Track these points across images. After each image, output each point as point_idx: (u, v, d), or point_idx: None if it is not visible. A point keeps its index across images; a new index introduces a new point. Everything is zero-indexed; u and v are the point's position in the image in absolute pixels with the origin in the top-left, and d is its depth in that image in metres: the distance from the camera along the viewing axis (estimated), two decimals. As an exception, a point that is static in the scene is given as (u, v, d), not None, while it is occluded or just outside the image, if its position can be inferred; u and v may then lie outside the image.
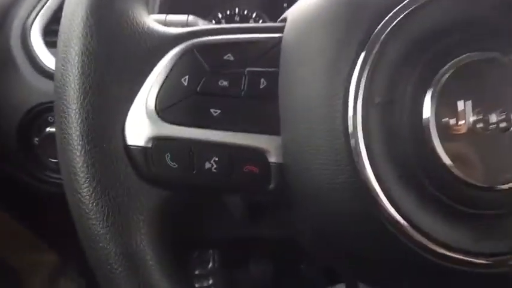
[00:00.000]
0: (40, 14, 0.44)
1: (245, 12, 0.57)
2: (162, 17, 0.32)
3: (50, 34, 0.44)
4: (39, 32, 0.44)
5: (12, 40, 0.44)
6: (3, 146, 0.43)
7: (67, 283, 0.61)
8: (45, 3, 0.45)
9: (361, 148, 0.20)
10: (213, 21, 0.57)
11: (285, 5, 0.57)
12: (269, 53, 0.22)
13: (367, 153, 0.20)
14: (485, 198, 0.20)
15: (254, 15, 0.57)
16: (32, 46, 0.43)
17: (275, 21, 0.58)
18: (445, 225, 0.20)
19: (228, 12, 0.57)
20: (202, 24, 0.34)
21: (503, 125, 0.20)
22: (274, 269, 0.85)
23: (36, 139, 0.43)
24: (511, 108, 0.20)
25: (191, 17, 0.33)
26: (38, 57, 0.43)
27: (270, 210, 0.47)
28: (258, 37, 0.23)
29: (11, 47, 0.44)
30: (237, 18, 0.57)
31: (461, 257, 0.20)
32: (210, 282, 0.87)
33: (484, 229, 0.21)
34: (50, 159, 0.42)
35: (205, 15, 0.57)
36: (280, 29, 0.23)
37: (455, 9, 0.21)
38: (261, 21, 0.57)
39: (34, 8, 0.45)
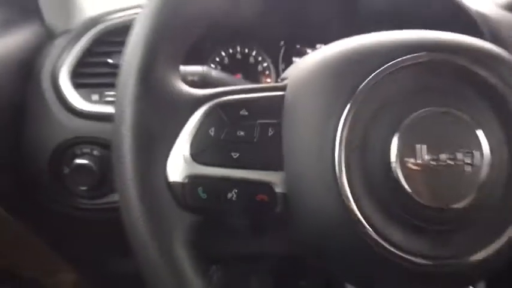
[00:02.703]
0: (67, 59, 0.51)
1: (246, 50, 0.63)
2: (181, 68, 0.39)
3: (77, 76, 0.50)
4: (67, 75, 0.50)
5: (43, 84, 0.50)
6: (35, 178, 0.49)
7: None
8: (71, 50, 0.51)
9: (344, 183, 0.26)
10: (217, 59, 0.63)
11: (282, 43, 0.64)
12: (275, 108, 0.29)
13: (349, 187, 0.26)
14: (438, 217, 0.27)
15: (254, 53, 0.63)
16: (62, 88, 0.49)
17: (272, 56, 0.64)
18: (410, 238, 0.27)
19: (231, 51, 0.63)
20: (214, 73, 0.41)
21: (451, 162, 0.27)
22: (274, 284, 0.90)
23: (67, 169, 0.48)
24: (456, 150, 0.27)
25: (205, 68, 0.40)
26: (67, 98, 0.49)
27: (272, 228, 0.52)
28: (266, 95, 0.30)
29: (43, 90, 0.49)
30: (238, 56, 0.63)
31: (421, 260, 0.27)
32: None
33: (438, 240, 0.27)
34: (80, 187, 0.48)
35: (210, 53, 0.63)
36: (283, 88, 0.30)
37: (419, 77, 0.28)
38: (260, 58, 0.63)
39: (61, 54, 0.51)
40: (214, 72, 0.41)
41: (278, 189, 0.28)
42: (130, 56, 0.28)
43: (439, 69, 0.28)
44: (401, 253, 0.27)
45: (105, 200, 0.49)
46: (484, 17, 0.55)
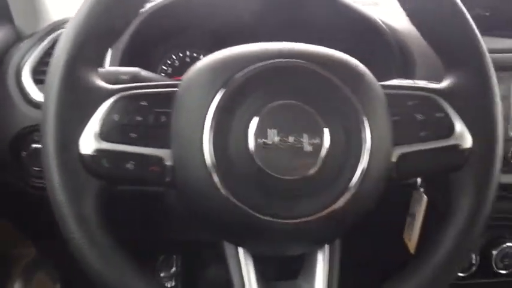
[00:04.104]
0: (30, 59, 0.59)
1: (194, 54, 0.72)
2: (113, 69, 0.47)
3: (37, 73, 0.58)
4: (29, 73, 0.58)
5: (8, 78, 0.58)
6: None
7: (42, 274, 0.73)
8: (34, 51, 0.59)
9: (211, 160, 0.34)
10: (169, 62, 0.71)
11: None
12: (168, 100, 0.37)
13: (216, 163, 0.34)
14: (289, 185, 0.35)
15: (201, 57, 0.71)
16: (23, 83, 0.57)
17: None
18: (267, 203, 0.35)
19: (181, 55, 0.72)
20: (143, 73, 0.49)
21: (297, 143, 0.35)
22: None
23: (24, 153, 0.56)
24: (301, 135, 0.35)
25: (136, 69, 0.48)
26: (28, 92, 0.57)
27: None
28: (162, 90, 0.38)
29: (8, 83, 0.58)
30: (187, 60, 0.72)
31: (277, 220, 0.35)
32: (173, 284, 1.00)
33: (291, 203, 0.35)
34: (34, 168, 0.55)
35: (163, 57, 0.72)
36: (176, 85, 0.38)
37: (276, 78, 0.36)
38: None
39: (25, 54, 0.59)
40: (144, 72, 0.49)
41: (167, 163, 0.36)
42: (57, 58, 0.36)
43: (294, 72, 0.36)
44: (260, 215, 0.34)
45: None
46: (394, 31, 0.63)
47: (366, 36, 0.63)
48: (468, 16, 0.41)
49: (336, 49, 0.40)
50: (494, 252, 0.65)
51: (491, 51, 0.59)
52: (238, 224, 0.35)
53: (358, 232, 0.40)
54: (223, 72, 0.36)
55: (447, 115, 0.39)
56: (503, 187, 0.61)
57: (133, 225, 0.69)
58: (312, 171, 0.35)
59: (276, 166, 0.34)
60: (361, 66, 0.38)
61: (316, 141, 0.35)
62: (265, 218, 0.35)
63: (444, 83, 0.41)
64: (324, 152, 0.35)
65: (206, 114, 0.35)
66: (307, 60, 0.37)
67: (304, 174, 0.35)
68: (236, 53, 0.37)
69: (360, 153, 0.36)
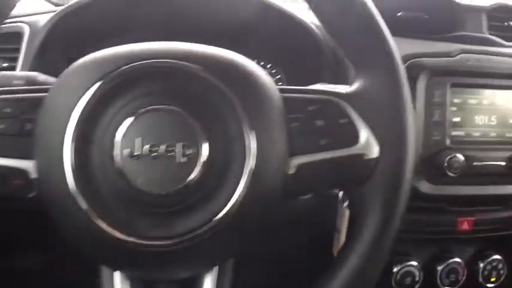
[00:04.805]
0: None
1: None
2: (7, 73, 0.43)
3: None
4: None
5: None
6: None
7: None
8: None
9: (72, 172, 0.30)
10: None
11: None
12: (35, 106, 0.33)
13: (76, 177, 0.30)
14: (160, 201, 0.31)
15: None
16: None
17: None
18: (136, 222, 0.31)
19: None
20: (41, 78, 0.45)
21: (168, 154, 0.31)
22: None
23: None
24: (174, 144, 0.31)
25: (34, 73, 0.44)
26: None
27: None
28: (29, 96, 0.34)
29: None
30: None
31: (147, 242, 0.31)
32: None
33: (162, 220, 0.31)
34: None
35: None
36: (46, 90, 0.34)
37: (150, 81, 0.32)
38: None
39: None
40: (42, 77, 0.46)
41: (32, 176, 0.33)
42: None
43: (170, 74, 0.33)
44: (128, 237, 0.31)
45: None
46: (325, 35, 0.61)
47: (297, 41, 0.60)
48: (377, 16, 0.38)
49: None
50: (439, 268, 0.62)
51: (427, 55, 0.57)
52: (105, 247, 0.32)
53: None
54: (89, 75, 0.32)
55: (351, 121, 0.36)
56: (442, 199, 0.58)
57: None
58: (186, 184, 0.31)
59: (145, 180, 0.31)
60: (250, 67, 0.35)
61: (192, 151, 0.31)
62: (133, 240, 0.31)
63: (351, 87, 0.38)
64: (200, 163, 0.31)
65: (69, 120, 0.31)
66: (187, 61, 0.33)
67: (177, 188, 0.31)
68: (109, 53, 0.34)
69: (243, 165, 0.32)
